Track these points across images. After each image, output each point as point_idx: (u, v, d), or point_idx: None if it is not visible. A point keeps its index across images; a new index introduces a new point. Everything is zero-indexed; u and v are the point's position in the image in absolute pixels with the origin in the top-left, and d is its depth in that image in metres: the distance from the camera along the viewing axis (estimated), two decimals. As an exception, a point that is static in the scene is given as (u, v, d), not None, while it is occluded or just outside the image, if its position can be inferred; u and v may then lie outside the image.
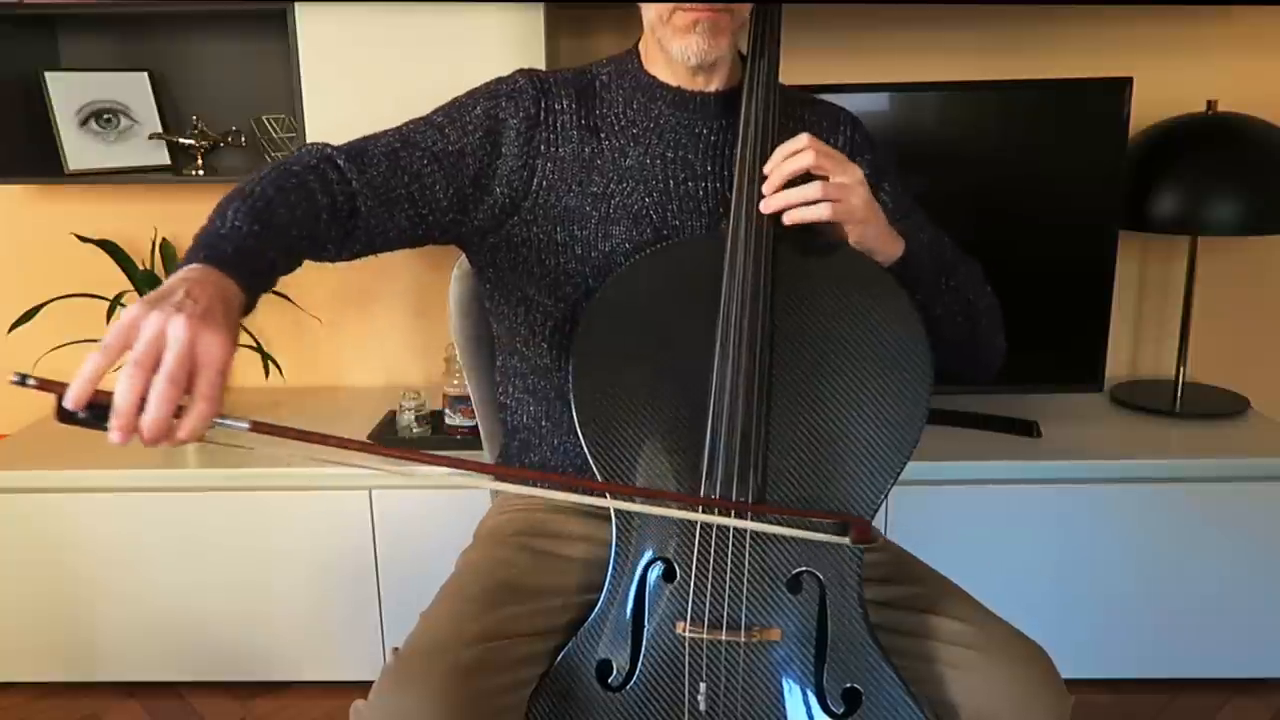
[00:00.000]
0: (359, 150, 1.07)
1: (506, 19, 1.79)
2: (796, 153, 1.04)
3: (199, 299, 0.78)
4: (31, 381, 0.74)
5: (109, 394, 0.72)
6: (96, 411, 0.72)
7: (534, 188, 1.14)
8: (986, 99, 1.88)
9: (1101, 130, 1.84)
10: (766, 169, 1.06)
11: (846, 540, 0.99)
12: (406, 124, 1.14)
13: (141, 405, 0.73)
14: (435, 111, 1.15)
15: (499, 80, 1.17)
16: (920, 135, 1.87)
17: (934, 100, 1.88)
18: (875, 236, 1.07)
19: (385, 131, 1.12)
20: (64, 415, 0.73)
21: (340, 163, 1.04)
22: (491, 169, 1.13)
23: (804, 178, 1.04)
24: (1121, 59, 2.03)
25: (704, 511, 1.00)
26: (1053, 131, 1.86)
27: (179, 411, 0.74)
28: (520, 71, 1.17)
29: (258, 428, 0.79)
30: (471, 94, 1.16)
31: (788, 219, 1.04)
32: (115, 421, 0.73)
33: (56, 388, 0.73)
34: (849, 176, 1.05)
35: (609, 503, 1.02)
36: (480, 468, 0.93)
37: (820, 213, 1.02)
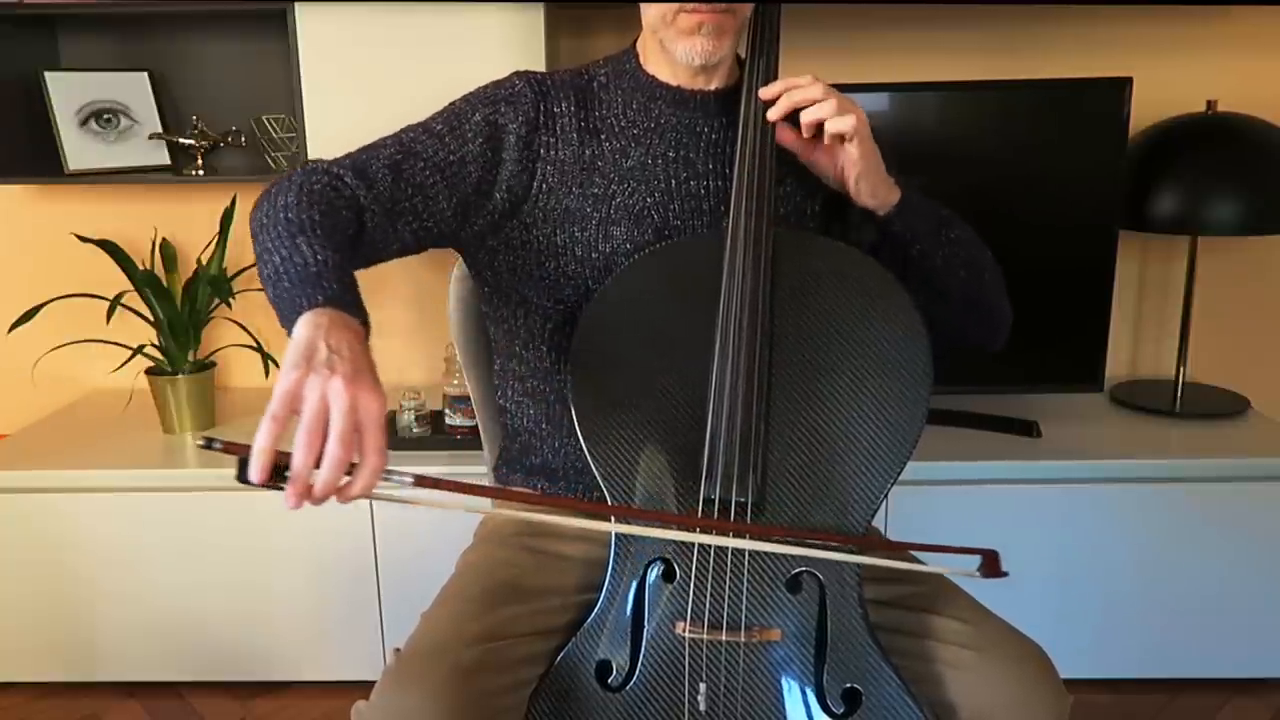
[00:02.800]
0: (362, 165, 1.07)
1: (506, 19, 1.79)
2: (804, 85, 1.07)
3: (343, 354, 0.81)
4: (218, 445, 0.79)
5: (285, 454, 0.77)
6: (277, 476, 0.77)
7: (534, 191, 1.14)
8: (986, 99, 1.88)
9: (1101, 130, 1.84)
10: (772, 92, 1.09)
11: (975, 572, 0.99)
12: (405, 132, 1.13)
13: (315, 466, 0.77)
14: (434, 119, 1.15)
15: (497, 84, 1.16)
16: (920, 135, 1.87)
17: (934, 100, 1.88)
18: (876, 171, 1.10)
19: (384, 142, 1.12)
20: (246, 479, 0.78)
21: (348, 179, 1.05)
22: (492, 175, 1.13)
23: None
24: (1121, 59, 2.03)
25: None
26: (1053, 131, 1.86)
27: (350, 468, 0.78)
28: (518, 74, 1.17)
29: (421, 482, 0.84)
30: (469, 99, 1.16)
31: (823, 119, 1.07)
32: (291, 488, 0.77)
33: (240, 450, 0.78)
34: (852, 105, 1.08)
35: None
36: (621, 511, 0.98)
37: (845, 125, 1.06)
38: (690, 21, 1.08)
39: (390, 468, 0.80)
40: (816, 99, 1.07)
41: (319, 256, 0.92)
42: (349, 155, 1.10)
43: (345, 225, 1.00)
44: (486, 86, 1.17)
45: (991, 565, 0.98)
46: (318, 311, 0.86)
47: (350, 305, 0.89)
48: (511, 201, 1.14)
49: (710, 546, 1.00)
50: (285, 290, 0.90)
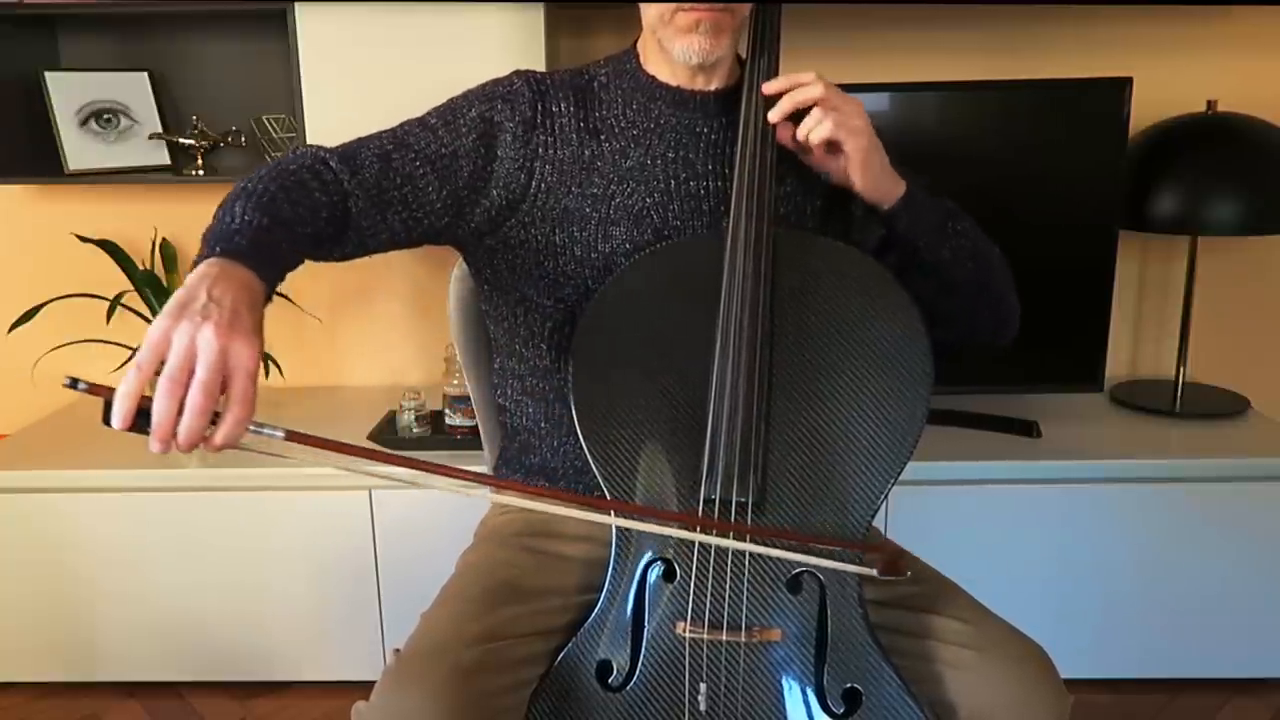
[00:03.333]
0: (351, 152, 1.08)
1: (506, 19, 1.79)
2: (803, 84, 1.07)
3: (223, 302, 0.79)
4: (82, 385, 0.77)
5: (150, 400, 0.76)
6: (140, 420, 0.76)
7: (532, 190, 1.14)
8: (986, 99, 1.88)
9: (1101, 130, 1.84)
10: (775, 88, 1.09)
11: (872, 571, 1.00)
12: (401, 125, 1.14)
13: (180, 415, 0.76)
14: (430, 113, 1.15)
15: (495, 82, 1.16)
16: (920, 135, 1.87)
17: (934, 100, 1.88)
18: (879, 167, 1.10)
19: (379, 133, 1.12)
20: (109, 423, 0.76)
21: (333, 164, 1.05)
22: (486, 171, 1.13)
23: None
24: (1121, 59, 2.03)
25: (716, 534, 1.00)
26: (1053, 131, 1.86)
27: (215, 419, 0.77)
28: (517, 73, 1.17)
29: (292, 436, 0.81)
30: (467, 96, 1.16)
31: (803, 133, 1.07)
32: (154, 433, 0.76)
33: (105, 393, 0.76)
34: (853, 105, 1.09)
35: (625, 522, 1.02)
36: (501, 484, 0.95)
37: (826, 129, 1.06)
38: (688, 19, 1.07)
39: (260, 420, 0.79)
40: (817, 98, 1.07)
41: (245, 218, 0.91)
42: (345, 144, 1.10)
43: (312, 207, 1.00)
44: (486, 84, 1.17)
45: (890, 564, 1.00)
46: (210, 262, 0.85)
47: (254, 263, 0.87)
48: (508, 200, 1.14)
49: (710, 547, 1.00)
50: (202, 248, 0.90)
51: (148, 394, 0.76)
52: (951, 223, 1.16)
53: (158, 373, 0.77)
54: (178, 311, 0.78)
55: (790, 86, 1.08)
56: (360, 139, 1.11)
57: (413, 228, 1.11)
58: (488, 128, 1.13)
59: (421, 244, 1.15)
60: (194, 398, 0.76)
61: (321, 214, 1.00)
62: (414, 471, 0.86)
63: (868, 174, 1.09)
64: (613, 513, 1.02)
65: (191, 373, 0.76)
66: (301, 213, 0.98)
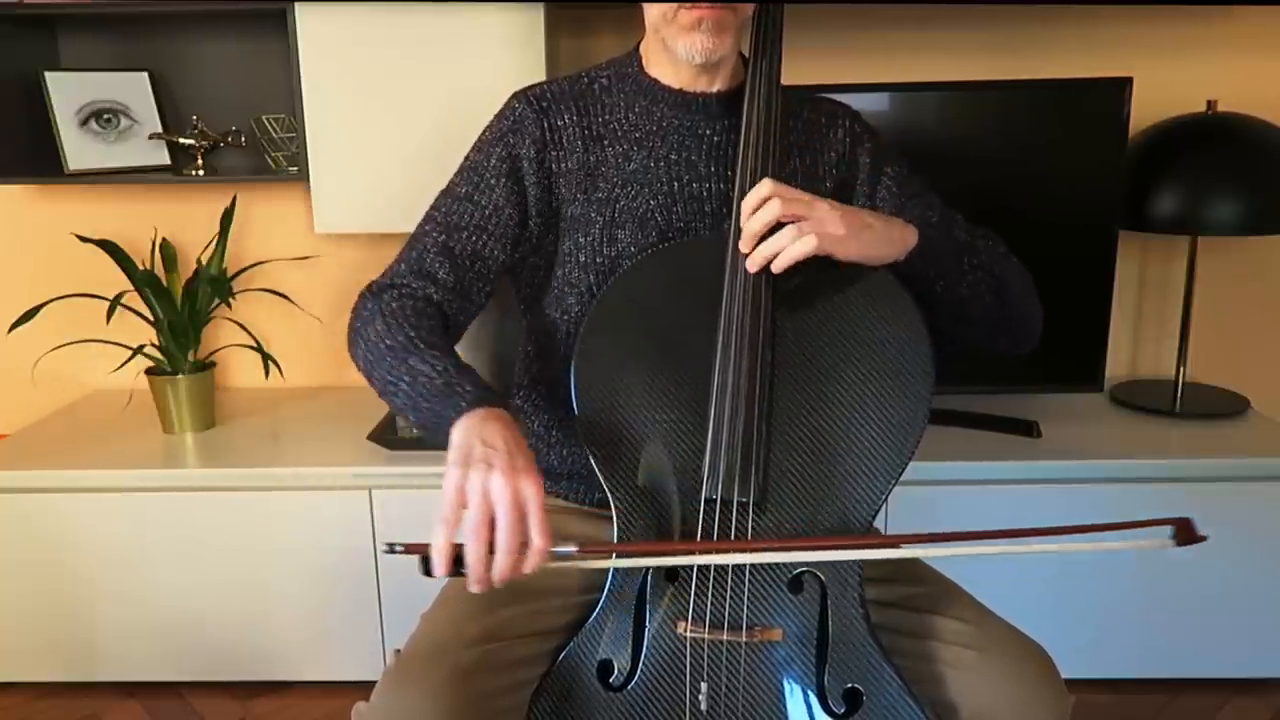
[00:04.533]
0: (417, 265, 1.12)
1: (506, 19, 1.79)
2: (763, 201, 1.02)
3: (498, 447, 0.90)
4: (399, 549, 0.89)
5: (461, 546, 0.87)
6: (457, 566, 0.87)
7: (555, 203, 1.16)
8: (986, 99, 1.88)
9: (1101, 130, 1.84)
10: (743, 247, 1.05)
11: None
12: (437, 208, 1.17)
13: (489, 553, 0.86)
14: (457, 181, 1.17)
15: (498, 118, 1.18)
16: (920, 135, 1.87)
17: (934, 100, 1.88)
18: (874, 246, 1.06)
19: (424, 230, 1.16)
20: (430, 574, 0.88)
21: (414, 285, 1.11)
22: (524, 204, 1.16)
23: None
24: (1121, 59, 2.03)
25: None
26: (1053, 131, 1.86)
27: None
28: (517, 96, 1.17)
29: (584, 551, 0.95)
30: (480, 146, 1.18)
31: (777, 266, 1.03)
32: (472, 578, 0.87)
33: (421, 550, 0.87)
34: (819, 211, 1.03)
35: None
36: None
37: (804, 247, 1.01)
38: (690, 17, 1.07)
39: (555, 543, 0.89)
40: (775, 216, 1.02)
41: (438, 367, 0.99)
42: (399, 260, 1.14)
43: (435, 325, 1.07)
44: (490, 125, 1.19)
45: (1187, 532, 0.97)
46: (466, 417, 0.94)
47: (487, 397, 0.97)
48: (544, 220, 1.16)
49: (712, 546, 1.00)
50: (426, 410, 0.98)
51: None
52: (967, 258, 1.14)
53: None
54: (463, 464, 0.88)
55: (747, 215, 1.03)
56: (412, 244, 1.15)
57: (492, 288, 1.17)
58: (511, 165, 1.15)
59: None
60: (502, 540, 0.86)
61: (441, 328, 1.08)
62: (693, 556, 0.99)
63: (866, 257, 1.06)
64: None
65: (493, 518, 0.86)
66: (438, 332, 1.06)
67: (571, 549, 0.93)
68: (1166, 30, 2.04)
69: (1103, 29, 2.05)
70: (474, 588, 0.87)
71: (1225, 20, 2.03)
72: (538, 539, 0.87)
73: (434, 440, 0.98)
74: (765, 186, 1.02)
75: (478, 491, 0.86)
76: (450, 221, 1.14)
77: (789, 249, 1.02)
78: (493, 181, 1.14)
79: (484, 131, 1.18)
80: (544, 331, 1.21)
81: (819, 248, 1.02)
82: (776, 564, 1.00)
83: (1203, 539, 0.96)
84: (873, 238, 1.06)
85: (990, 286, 1.15)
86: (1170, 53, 2.05)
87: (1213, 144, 1.90)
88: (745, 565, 1.00)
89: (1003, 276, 1.17)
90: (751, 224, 1.03)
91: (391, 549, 0.89)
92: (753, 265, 1.04)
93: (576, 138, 1.15)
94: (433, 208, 1.17)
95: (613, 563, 1.02)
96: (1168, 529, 0.96)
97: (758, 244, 1.04)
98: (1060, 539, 0.98)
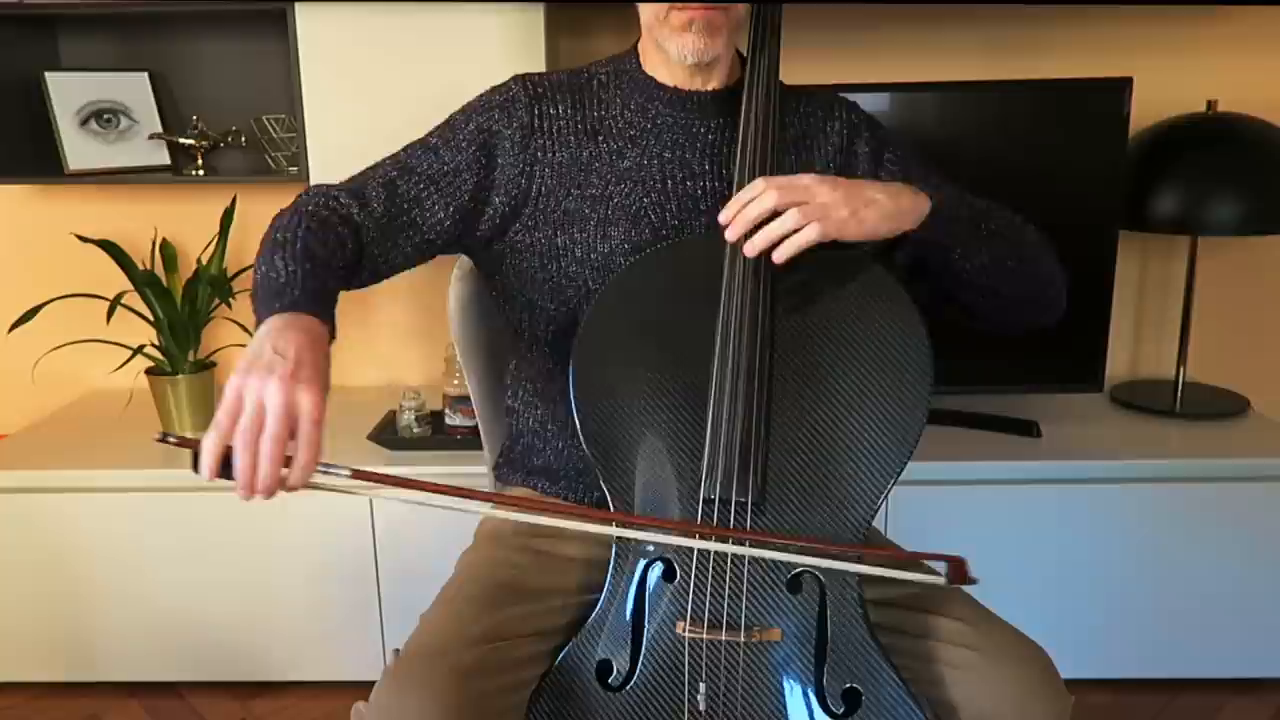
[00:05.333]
0: (358, 187, 1.11)
1: (506, 19, 1.79)
2: (754, 198, 1.01)
3: (286, 354, 0.86)
4: (172, 439, 0.88)
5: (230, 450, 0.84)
6: (224, 470, 0.84)
7: (533, 194, 1.14)
8: (986, 99, 1.87)
9: (1101, 130, 1.84)
10: (722, 218, 1.03)
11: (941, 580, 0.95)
12: (404, 149, 1.16)
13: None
14: (431, 132, 1.17)
15: (492, 90, 1.17)
16: (920, 135, 1.87)
17: (934, 100, 1.88)
18: (880, 221, 1.03)
19: (384, 160, 1.15)
20: (198, 471, 0.85)
21: (342, 199, 1.08)
22: (488, 181, 1.14)
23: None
24: (1121, 59, 2.03)
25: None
26: (1053, 131, 1.86)
27: (288, 462, 0.84)
28: (515, 78, 1.17)
29: (357, 474, 0.90)
30: (466, 109, 1.17)
31: (778, 255, 1.01)
32: (239, 484, 0.84)
33: (192, 445, 0.85)
34: (816, 194, 1.01)
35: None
36: (562, 508, 1.03)
37: (810, 236, 1.00)
38: (681, 18, 1.07)
39: (327, 462, 0.85)
40: (772, 206, 1.00)
41: (289, 269, 0.96)
42: (349, 178, 1.13)
43: (338, 241, 1.04)
44: (483, 94, 1.18)
45: (958, 572, 0.93)
46: (272, 319, 0.91)
47: (311, 309, 0.93)
48: (511, 206, 1.15)
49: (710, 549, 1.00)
50: (257, 304, 0.95)
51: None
52: (983, 223, 1.11)
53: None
54: (246, 369, 0.85)
55: (738, 208, 1.02)
56: (367, 169, 1.14)
57: (424, 249, 1.14)
58: (487, 138, 1.14)
59: (432, 259, 1.17)
60: (265, 447, 0.82)
61: (347, 247, 1.05)
62: (473, 501, 0.95)
63: (876, 234, 1.04)
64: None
65: (263, 424, 0.83)
66: (332, 249, 1.02)
67: (345, 471, 0.88)
68: (1166, 30, 2.04)
69: (1103, 29, 2.05)
70: (241, 493, 0.84)
71: (1225, 20, 2.03)
72: (304, 450, 0.83)
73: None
74: (758, 184, 1.01)
75: (254, 397, 0.83)
76: (408, 164, 1.13)
77: (793, 238, 1.00)
78: (463, 143, 1.13)
79: (475, 98, 1.17)
80: (539, 329, 1.20)
81: (823, 233, 1.00)
82: (776, 564, 1.00)
83: (974, 581, 0.94)
84: (878, 214, 1.03)
85: (1012, 251, 1.13)
86: (1170, 53, 2.05)
87: (1213, 144, 1.90)
88: (744, 567, 1.00)
89: (1021, 239, 1.15)
90: (747, 212, 1.01)
91: (164, 438, 0.88)
92: (750, 250, 1.02)
93: (569, 130, 1.15)
94: (400, 149, 1.16)
95: (476, 507, 1.00)
96: (942, 565, 0.94)
97: (756, 231, 1.01)
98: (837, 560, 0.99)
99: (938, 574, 0.96)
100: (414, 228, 1.12)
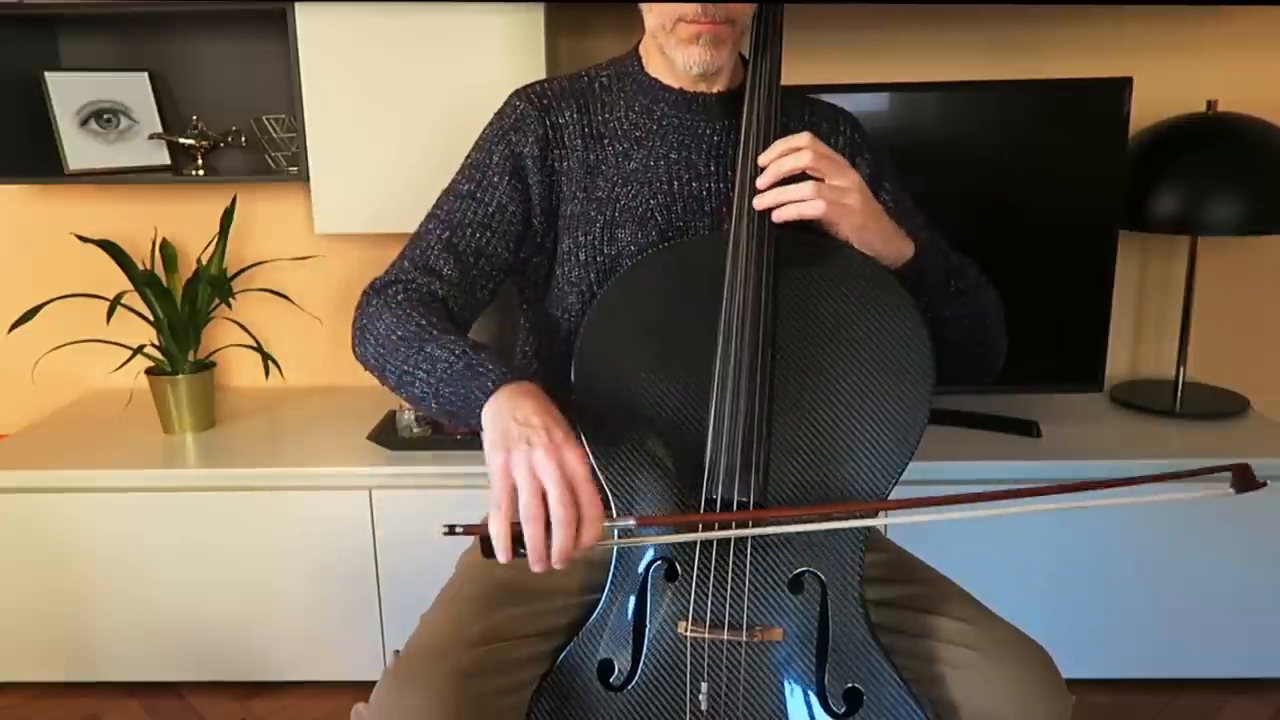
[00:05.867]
0: (421, 261, 1.12)
1: (506, 19, 1.79)
2: (795, 150, 1.03)
3: (533, 423, 0.89)
4: (459, 529, 0.92)
5: (519, 525, 0.87)
6: (518, 546, 0.87)
7: (555, 202, 1.16)
8: (986, 99, 1.88)
9: (1101, 130, 1.84)
10: (763, 160, 1.05)
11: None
12: (440, 205, 1.16)
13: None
14: (459, 180, 1.17)
15: (499, 116, 1.18)
16: (920, 135, 1.87)
17: (934, 100, 1.88)
18: (877, 238, 1.07)
19: (426, 226, 1.15)
20: (491, 557, 0.88)
21: (418, 280, 1.10)
22: (527, 202, 1.15)
23: (799, 177, 1.04)
24: (1121, 59, 2.03)
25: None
26: (1053, 131, 1.86)
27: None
28: (517, 95, 1.17)
29: (643, 520, 0.96)
30: (481, 144, 1.18)
31: (777, 216, 1.03)
32: (533, 558, 0.87)
33: (480, 531, 0.89)
34: (846, 180, 1.04)
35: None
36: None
37: (811, 209, 1.02)
38: (689, 31, 1.07)
39: (610, 516, 0.90)
40: (804, 165, 1.02)
41: (455, 350, 0.98)
42: (403, 257, 1.14)
43: (443, 314, 1.07)
44: (491, 122, 1.18)
45: (1243, 477, 0.93)
46: (495, 397, 0.93)
47: (511, 373, 0.96)
48: (547, 219, 1.16)
49: (712, 545, 1.00)
50: (450, 395, 0.97)
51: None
52: (954, 280, 1.14)
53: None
54: (503, 448, 0.88)
55: (782, 154, 1.04)
56: (415, 242, 1.15)
57: (497, 287, 1.17)
58: (514, 163, 1.15)
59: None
60: (557, 515, 0.85)
61: (449, 319, 1.08)
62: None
63: (865, 243, 1.06)
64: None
65: (544, 495, 0.85)
66: (451, 325, 1.05)
67: (630, 522, 0.94)
68: (1166, 30, 2.04)
69: (1103, 29, 2.05)
70: (536, 567, 0.87)
71: (1225, 20, 2.03)
72: (590, 508, 0.86)
73: (463, 424, 0.97)
74: (804, 138, 1.03)
75: (525, 472, 0.86)
76: (454, 219, 1.14)
77: (798, 205, 1.02)
78: (496, 179, 1.14)
79: (485, 130, 1.18)
80: (543, 330, 1.21)
81: (826, 214, 1.02)
82: (776, 564, 1.00)
83: (1262, 485, 0.93)
84: (879, 230, 1.07)
85: (970, 311, 1.16)
86: (1170, 53, 2.05)
87: (1213, 144, 1.90)
88: (745, 567, 1.00)
89: (983, 304, 1.18)
90: (780, 163, 1.03)
91: (451, 530, 0.90)
92: (760, 203, 1.04)
93: (577, 136, 1.15)
94: (436, 206, 1.17)
95: (675, 538, 1.01)
96: (1227, 475, 0.93)
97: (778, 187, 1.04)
98: (1110, 493, 1.01)
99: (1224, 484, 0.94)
100: (486, 277, 1.14)
